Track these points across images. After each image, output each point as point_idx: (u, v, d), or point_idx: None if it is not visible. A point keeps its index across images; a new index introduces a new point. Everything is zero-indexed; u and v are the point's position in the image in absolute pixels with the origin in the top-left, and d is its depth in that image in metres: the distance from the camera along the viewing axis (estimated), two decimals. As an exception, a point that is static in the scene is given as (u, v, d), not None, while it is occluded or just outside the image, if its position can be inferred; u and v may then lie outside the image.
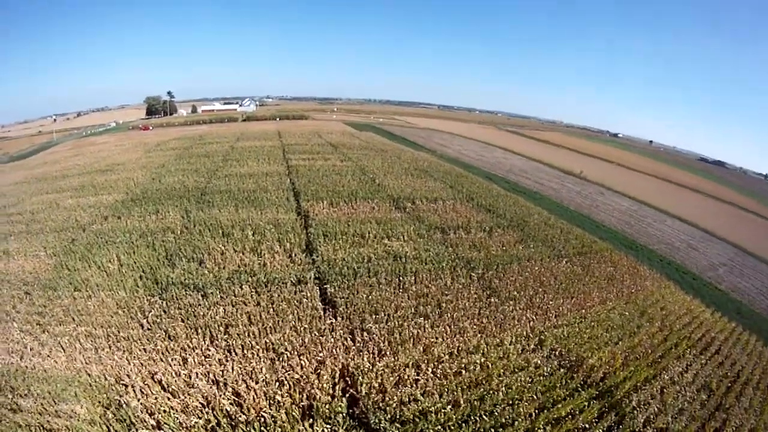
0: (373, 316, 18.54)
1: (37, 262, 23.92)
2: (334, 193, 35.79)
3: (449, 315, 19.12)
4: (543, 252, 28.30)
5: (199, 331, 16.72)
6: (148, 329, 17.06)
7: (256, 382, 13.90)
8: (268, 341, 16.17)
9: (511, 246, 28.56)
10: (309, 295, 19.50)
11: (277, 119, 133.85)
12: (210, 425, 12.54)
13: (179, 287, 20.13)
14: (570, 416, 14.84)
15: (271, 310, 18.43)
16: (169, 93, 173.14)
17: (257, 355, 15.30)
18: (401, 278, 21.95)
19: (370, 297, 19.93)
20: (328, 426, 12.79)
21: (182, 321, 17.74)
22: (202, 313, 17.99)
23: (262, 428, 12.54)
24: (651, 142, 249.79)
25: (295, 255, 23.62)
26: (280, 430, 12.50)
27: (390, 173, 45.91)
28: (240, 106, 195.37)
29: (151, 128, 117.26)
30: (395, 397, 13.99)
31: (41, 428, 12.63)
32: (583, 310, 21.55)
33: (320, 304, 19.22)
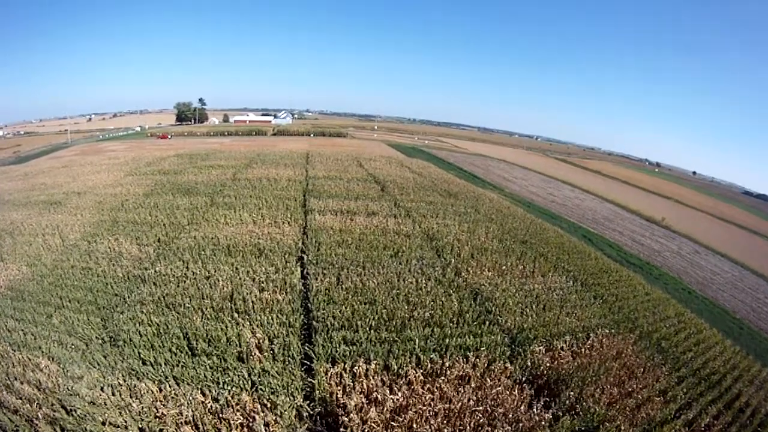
0: None
1: None
2: (391, 324, 16.53)
3: None
4: None
5: None
6: None
7: None
8: None
9: None
10: None
11: (311, 135, 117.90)
12: None
13: None
14: None
15: None
16: (200, 100, 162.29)
17: None
18: None
19: None
20: None
21: None
22: None
23: None
24: (694, 173, 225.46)
25: None
26: None
27: (481, 252, 25.90)
28: (275, 118, 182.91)
29: (170, 137, 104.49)
30: None
31: None
32: None
33: None
